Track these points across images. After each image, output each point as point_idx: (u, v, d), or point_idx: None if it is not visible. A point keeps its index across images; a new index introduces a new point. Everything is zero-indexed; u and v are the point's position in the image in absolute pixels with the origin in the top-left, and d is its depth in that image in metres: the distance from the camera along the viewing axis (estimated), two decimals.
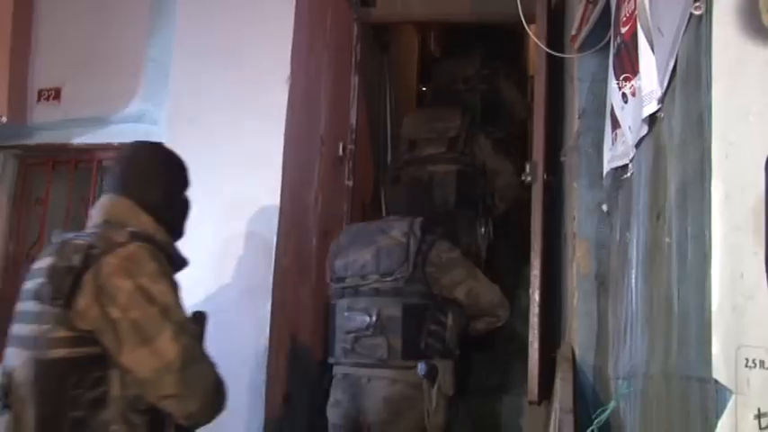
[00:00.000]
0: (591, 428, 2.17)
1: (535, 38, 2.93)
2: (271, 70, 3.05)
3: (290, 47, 3.07)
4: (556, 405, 2.50)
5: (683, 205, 1.37)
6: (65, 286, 1.68)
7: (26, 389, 1.70)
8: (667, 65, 1.55)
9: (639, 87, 2.04)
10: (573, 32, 3.02)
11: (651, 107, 1.77)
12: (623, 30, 2.20)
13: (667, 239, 1.52)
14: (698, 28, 1.23)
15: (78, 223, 3.41)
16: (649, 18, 1.68)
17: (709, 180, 1.14)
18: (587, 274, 2.91)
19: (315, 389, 3.37)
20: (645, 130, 1.95)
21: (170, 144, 3.14)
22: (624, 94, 2.28)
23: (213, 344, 2.91)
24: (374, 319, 2.70)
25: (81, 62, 3.40)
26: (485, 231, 3.37)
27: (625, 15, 2.18)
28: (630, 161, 2.29)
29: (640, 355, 1.96)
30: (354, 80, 4.12)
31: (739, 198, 1.05)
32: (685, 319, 1.34)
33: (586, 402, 2.72)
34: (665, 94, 1.67)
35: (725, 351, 1.04)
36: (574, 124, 3.03)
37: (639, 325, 1.99)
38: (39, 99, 3.41)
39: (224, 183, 3.01)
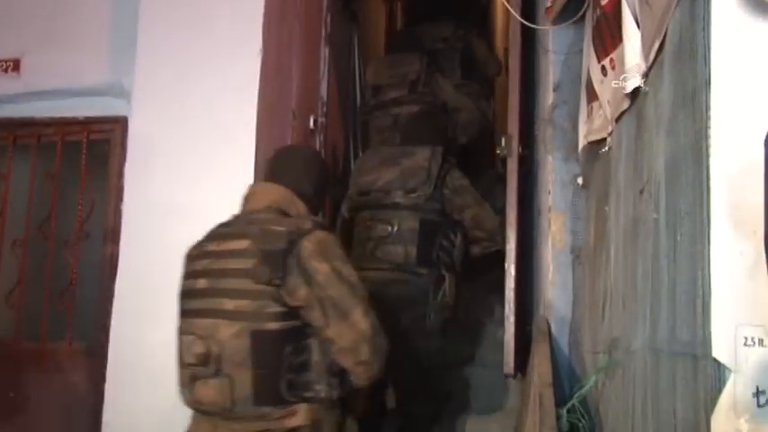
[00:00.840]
0: (570, 402, 2.19)
1: (510, 8, 2.89)
2: (242, 40, 2.96)
3: (261, 16, 2.99)
4: (534, 378, 2.52)
5: (674, 181, 1.36)
6: (279, 269, 1.97)
7: (242, 355, 1.97)
8: (654, 39, 1.53)
9: (621, 60, 2.03)
10: (548, 4, 2.99)
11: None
12: (603, 1, 2.18)
13: (654, 215, 1.51)
14: (693, 2, 1.21)
15: (43, 200, 3.33)
16: None
17: (706, 157, 1.12)
18: (562, 247, 2.92)
19: None
20: (626, 104, 1.94)
21: (137, 117, 3.08)
22: (603, 68, 2.26)
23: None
24: (395, 228, 3.05)
25: (41, 32, 3.26)
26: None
27: None
28: (609, 135, 2.28)
29: (621, 329, 1.97)
30: (325, 51, 4.04)
31: (738, 175, 1.04)
32: (676, 295, 1.34)
33: (562, 374, 2.74)
34: (650, 68, 1.66)
35: (724, 330, 1.03)
36: (548, 97, 3.01)
37: (620, 298, 2.00)
38: None
39: (194, 156, 2.94)
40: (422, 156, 3.25)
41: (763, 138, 1.03)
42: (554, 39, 3.01)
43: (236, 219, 2.23)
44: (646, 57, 1.66)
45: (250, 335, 1.97)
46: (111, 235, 3.10)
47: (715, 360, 1.05)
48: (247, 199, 2.27)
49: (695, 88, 1.17)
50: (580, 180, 2.81)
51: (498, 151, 3.06)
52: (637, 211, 1.79)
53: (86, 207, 3.27)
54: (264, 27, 2.98)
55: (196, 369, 2.03)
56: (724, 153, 1.07)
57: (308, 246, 2.01)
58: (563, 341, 2.77)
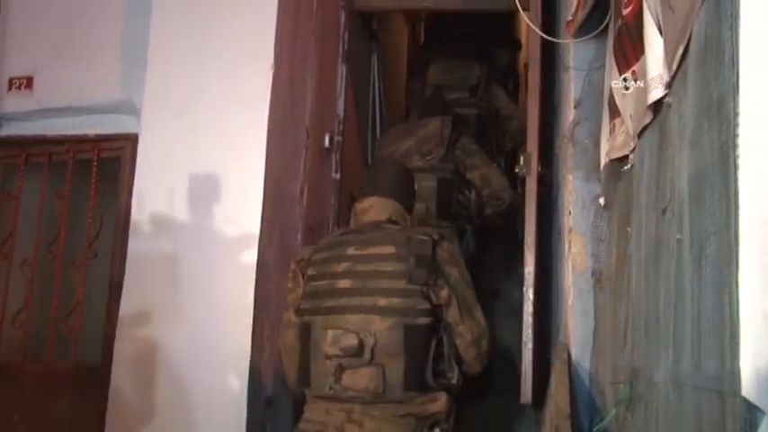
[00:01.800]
0: None
1: (531, 23, 2.78)
2: (253, 56, 2.90)
3: (273, 32, 2.92)
4: (551, 409, 2.37)
5: (699, 198, 1.24)
6: (432, 272, 2.33)
7: (395, 346, 2.27)
8: (678, 45, 1.41)
9: (643, 72, 1.91)
10: (569, 18, 2.89)
11: (657, 92, 1.64)
12: (625, 11, 2.06)
13: (678, 236, 1.38)
14: (719, 2, 1.10)
15: (52, 219, 3.27)
16: None
17: (734, 169, 1.00)
18: (583, 270, 2.78)
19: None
20: (649, 117, 1.82)
21: (147, 134, 3.03)
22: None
23: (191, 342, 2.80)
24: (416, 188, 3.10)
25: (54, 49, 3.23)
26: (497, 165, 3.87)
27: None
28: (631, 152, 2.15)
29: (643, 359, 1.83)
30: (342, 69, 3.97)
31: None
32: (701, 323, 1.21)
33: (581, 406, 2.59)
34: (673, 77, 1.54)
35: (755, 365, 0.90)
36: (569, 114, 2.89)
37: (642, 326, 1.86)
38: (9, 88, 3.24)
39: (204, 174, 2.87)
40: (434, 125, 3.64)
41: None
42: (575, 54, 2.90)
43: (363, 228, 2.51)
44: (669, 66, 1.54)
45: (403, 328, 2.28)
46: (119, 254, 3.03)
47: (745, 400, 0.91)
48: (365, 211, 2.56)
49: (721, 94, 1.05)
50: (602, 200, 2.68)
51: (517, 170, 2.94)
52: (659, 232, 1.66)
53: (95, 226, 3.21)
54: (277, 42, 2.91)
55: (344, 360, 2.28)
56: (754, 165, 0.94)
57: (442, 253, 2.39)
58: (583, 370, 2.62)
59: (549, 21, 3.26)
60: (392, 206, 2.55)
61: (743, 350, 0.92)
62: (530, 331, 2.73)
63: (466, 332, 2.37)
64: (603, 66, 2.73)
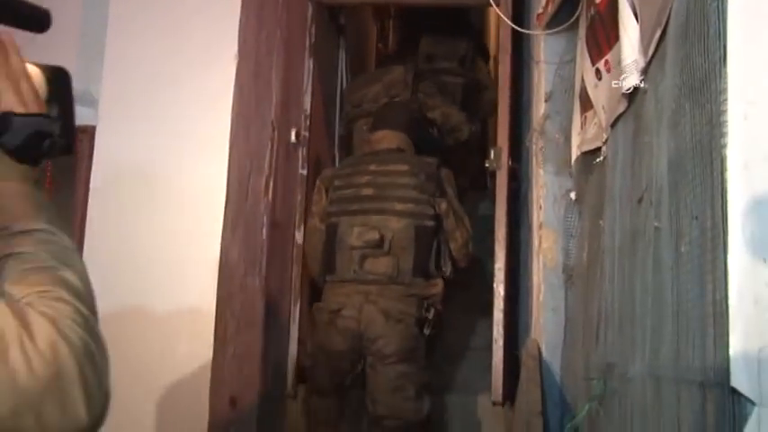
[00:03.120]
0: None
1: (502, 15, 2.73)
2: (217, 47, 2.78)
3: (237, 23, 2.82)
4: (522, 406, 2.33)
5: (679, 183, 1.19)
6: (437, 186, 3.00)
7: (407, 241, 2.93)
8: (656, 26, 1.36)
9: (617, 60, 1.87)
10: (539, 11, 2.85)
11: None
12: (598, 0, 2.02)
13: (656, 223, 1.33)
14: None
15: None
16: None
17: (717, 149, 0.95)
18: (554, 266, 2.75)
19: (265, 394, 3.15)
20: (623, 106, 1.78)
21: (105, 126, 2.91)
22: (598, 71, 2.11)
23: (153, 340, 2.69)
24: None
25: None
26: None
27: None
28: (603, 144, 2.12)
29: (617, 354, 1.78)
30: (309, 63, 3.87)
31: (761, 167, 0.86)
32: (681, 313, 1.16)
33: (552, 402, 2.55)
34: (649, 62, 1.50)
35: (745, 354, 0.85)
36: (540, 108, 2.86)
37: (616, 320, 1.82)
38: None
39: (164, 167, 2.76)
40: (398, 71, 4.00)
41: None
42: (546, 47, 2.86)
43: (378, 152, 3.21)
44: (645, 51, 1.49)
45: (414, 228, 2.95)
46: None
47: (734, 390, 0.86)
48: (379, 141, 3.23)
49: (707, 70, 1.00)
50: (573, 194, 2.64)
51: (487, 164, 2.89)
52: (635, 223, 1.61)
53: None
54: (240, 33, 2.81)
55: (367, 250, 2.94)
56: (743, 141, 0.89)
57: (443, 174, 3.05)
58: (554, 367, 2.59)
59: (519, 14, 3.23)
60: (400, 137, 3.22)
61: (732, 338, 0.87)
62: (500, 327, 2.68)
63: (459, 237, 3.00)
64: (574, 59, 2.70)
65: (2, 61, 0.99)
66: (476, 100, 4.44)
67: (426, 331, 2.93)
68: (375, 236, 2.92)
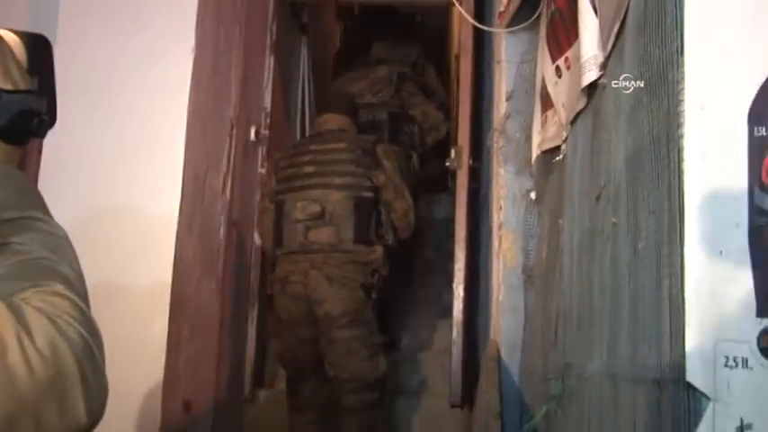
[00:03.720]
0: None
1: (464, 13, 2.72)
2: (173, 40, 2.71)
3: (194, 13, 2.76)
4: (481, 407, 2.30)
5: (637, 178, 1.17)
6: (372, 160, 3.18)
7: (347, 212, 3.11)
8: (614, 20, 1.35)
9: (577, 57, 1.86)
10: (501, 9, 2.84)
11: (592, 74, 1.58)
12: None
13: (613, 220, 1.32)
14: None
15: None
16: None
17: (674, 141, 0.93)
18: (513, 267, 2.73)
19: (221, 398, 3.09)
20: (582, 102, 1.76)
21: (56, 121, 2.82)
22: (558, 68, 2.10)
23: (103, 341, 2.61)
24: (369, 119, 3.99)
25: None
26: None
27: None
28: (563, 142, 2.11)
29: (575, 353, 1.77)
30: (269, 60, 3.83)
31: (718, 157, 0.85)
32: (638, 310, 1.14)
33: (511, 403, 2.53)
34: (608, 57, 1.48)
35: (700, 347, 0.83)
36: (501, 107, 2.84)
37: (574, 320, 1.80)
38: None
39: (116, 164, 2.68)
40: (383, 70, 4.22)
41: (747, 110, 0.84)
42: (507, 46, 2.85)
43: (321, 133, 3.44)
44: (604, 45, 1.48)
45: (353, 199, 3.13)
46: None
47: (689, 385, 0.84)
48: (323, 123, 3.48)
49: (664, 61, 0.98)
50: (533, 195, 2.63)
51: (448, 164, 2.87)
52: (593, 221, 1.60)
53: None
54: (198, 26, 2.75)
55: (310, 222, 3.12)
56: (699, 133, 0.87)
57: (379, 149, 3.24)
58: (513, 368, 2.57)
59: (481, 14, 3.21)
60: (342, 119, 3.44)
61: (688, 332, 0.84)
62: (460, 329, 2.66)
63: (399, 208, 3.19)
64: (535, 59, 2.69)
65: None
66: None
67: (373, 295, 3.14)
68: (317, 208, 3.12)
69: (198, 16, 2.77)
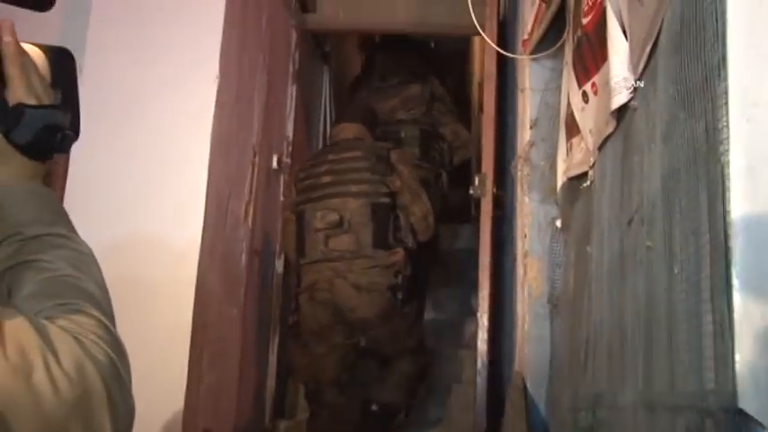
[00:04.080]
0: None
1: (488, 40, 2.71)
2: (197, 68, 2.73)
3: (219, 44, 2.77)
4: None
5: (674, 198, 1.14)
6: (387, 166, 3.32)
7: (365, 218, 3.23)
8: (647, 39, 1.32)
9: (605, 81, 1.83)
10: (524, 37, 2.83)
11: (621, 97, 1.55)
12: (585, 20, 1.99)
13: (648, 243, 1.28)
14: None
15: None
16: None
17: (716, 157, 0.90)
18: (539, 295, 2.68)
19: (241, 427, 3.05)
20: (611, 126, 1.73)
21: (81, 148, 2.83)
22: (585, 94, 2.07)
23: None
24: (401, 135, 4.07)
25: None
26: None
27: (587, 5, 1.97)
28: (591, 168, 2.07)
29: (606, 383, 1.71)
30: (292, 90, 3.85)
31: (766, 172, 0.81)
32: (678, 334, 1.10)
33: None
34: (639, 79, 1.45)
35: (753, 373, 0.78)
36: (525, 135, 2.82)
37: (604, 348, 1.75)
38: None
39: (141, 190, 2.68)
40: (416, 88, 4.26)
41: None
42: (531, 74, 2.83)
43: (337, 142, 3.54)
44: (635, 67, 1.45)
45: (370, 206, 3.25)
46: None
47: (740, 412, 0.79)
48: (339, 132, 3.58)
49: (704, 77, 0.95)
50: (558, 222, 2.59)
51: (472, 191, 2.84)
52: (624, 246, 1.55)
53: None
54: (222, 54, 2.77)
55: (329, 230, 3.24)
56: (745, 148, 0.84)
57: (394, 155, 3.38)
58: (540, 399, 2.50)
59: (504, 42, 3.21)
60: (357, 128, 3.54)
61: (739, 358, 0.80)
62: (484, 359, 2.60)
63: (417, 211, 3.32)
64: (559, 86, 2.67)
65: (15, 49, 0.88)
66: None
67: (399, 296, 3.23)
68: (335, 217, 3.23)
69: (222, 43, 2.79)
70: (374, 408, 3.33)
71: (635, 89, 1.49)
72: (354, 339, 3.31)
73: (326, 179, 3.33)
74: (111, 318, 0.83)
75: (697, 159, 1.00)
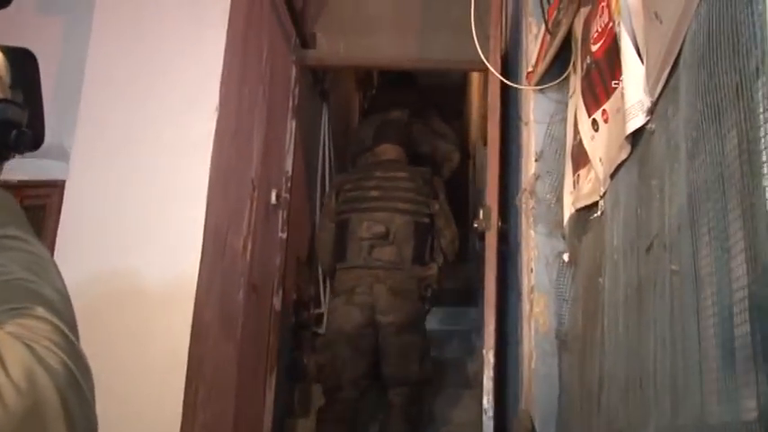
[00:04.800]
0: None
1: (494, 71, 2.69)
2: (197, 99, 2.69)
3: (219, 76, 2.75)
4: None
5: (699, 219, 1.09)
6: (431, 190, 3.71)
7: (408, 234, 3.58)
8: (666, 59, 1.29)
9: (616, 108, 1.80)
10: (529, 69, 2.82)
11: (637, 120, 1.52)
12: (594, 47, 1.97)
13: (673, 267, 1.23)
14: None
15: None
16: (639, 11, 1.44)
17: (754, 170, 0.86)
18: (546, 331, 2.62)
19: None
20: (625, 152, 1.69)
21: (76, 180, 2.78)
22: (594, 121, 2.04)
23: (116, 406, 2.48)
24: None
25: None
26: None
27: (596, 31, 1.96)
28: (601, 197, 2.03)
29: (625, 419, 1.65)
30: (291, 125, 3.82)
31: None
32: (710, 362, 1.04)
33: None
34: (657, 99, 1.42)
35: None
36: (529, 168, 2.78)
37: (621, 382, 1.69)
38: None
39: (139, 223, 2.63)
40: (397, 113, 4.47)
41: None
42: (535, 106, 2.81)
43: (383, 162, 3.90)
44: (652, 89, 1.42)
45: (413, 224, 3.60)
46: None
47: None
48: (383, 152, 3.95)
49: (736, 88, 0.91)
50: (566, 256, 2.54)
51: (476, 225, 2.79)
52: (643, 274, 1.50)
53: None
54: (222, 85, 2.74)
55: (375, 241, 3.56)
56: None
57: (435, 181, 3.78)
58: None
59: (505, 76, 3.20)
60: (398, 149, 3.95)
61: None
62: (490, 397, 2.53)
63: (448, 234, 3.68)
64: (564, 118, 2.65)
65: None
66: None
67: (426, 306, 3.65)
68: (382, 229, 3.56)
69: (222, 74, 2.76)
70: None
71: (651, 111, 1.46)
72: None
73: (375, 193, 3.67)
74: (72, 325, 0.77)
75: (728, 175, 0.95)
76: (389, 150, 3.90)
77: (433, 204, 3.65)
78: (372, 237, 3.54)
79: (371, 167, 3.91)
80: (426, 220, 3.62)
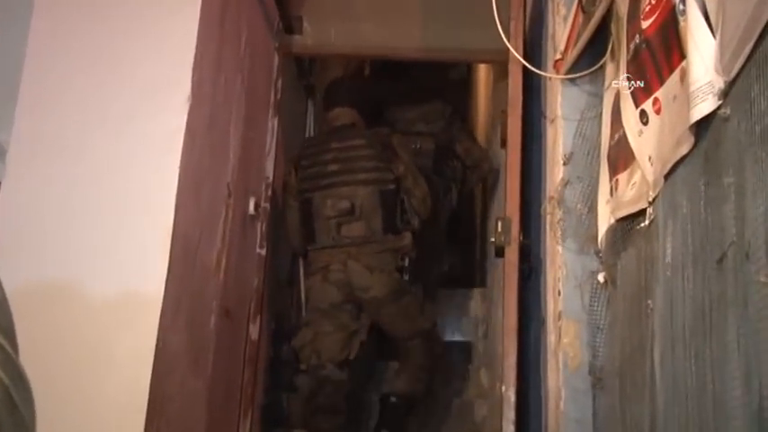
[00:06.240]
0: None
1: (517, 55, 2.62)
2: (166, 84, 2.61)
3: (191, 60, 2.65)
4: None
5: None
6: (392, 153, 3.89)
7: (374, 205, 3.81)
8: (751, 29, 1.21)
9: (671, 96, 1.73)
10: (557, 56, 2.75)
11: (705, 106, 1.44)
12: (645, 24, 1.90)
13: (762, 278, 1.14)
14: None
15: None
16: None
17: None
18: (577, 366, 2.53)
19: None
20: (686, 146, 1.61)
21: (13, 182, 2.66)
22: (643, 113, 1.96)
23: None
24: (417, 147, 4.49)
25: None
26: None
27: (648, 6, 1.88)
28: (650, 204, 1.95)
29: None
30: (273, 123, 3.74)
31: None
32: None
33: None
34: (732, 81, 1.34)
35: None
36: (556, 173, 2.71)
37: (683, 423, 1.60)
38: None
39: (94, 233, 2.52)
40: (438, 103, 4.74)
41: None
42: (563, 101, 2.74)
43: (338, 128, 4.05)
44: (728, 67, 1.34)
45: (379, 193, 3.82)
46: None
47: None
48: (335, 117, 4.09)
49: None
50: (601, 276, 2.46)
51: (493, 239, 2.71)
52: (715, 291, 1.42)
53: None
54: (195, 70, 2.65)
55: (341, 218, 3.80)
56: None
57: (395, 141, 3.94)
58: None
59: (525, 69, 3.13)
60: (351, 113, 4.05)
61: None
62: None
63: (418, 194, 3.88)
64: (599, 114, 2.58)
65: None
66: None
67: (405, 276, 3.87)
68: (347, 204, 3.79)
69: (195, 59, 2.68)
70: (393, 400, 3.90)
71: (726, 93, 1.38)
72: (362, 322, 3.86)
73: (334, 167, 3.87)
74: (10, 336, 0.74)
75: None
76: (342, 115, 4.06)
77: (397, 166, 3.86)
78: (338, 214, 3.79)
79: (326, 138, 4.11)
80: (392, 186, 3.84)
